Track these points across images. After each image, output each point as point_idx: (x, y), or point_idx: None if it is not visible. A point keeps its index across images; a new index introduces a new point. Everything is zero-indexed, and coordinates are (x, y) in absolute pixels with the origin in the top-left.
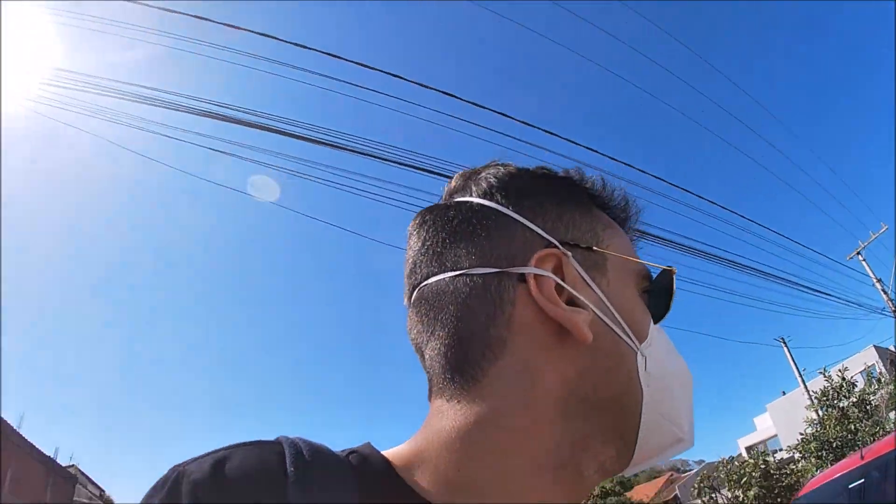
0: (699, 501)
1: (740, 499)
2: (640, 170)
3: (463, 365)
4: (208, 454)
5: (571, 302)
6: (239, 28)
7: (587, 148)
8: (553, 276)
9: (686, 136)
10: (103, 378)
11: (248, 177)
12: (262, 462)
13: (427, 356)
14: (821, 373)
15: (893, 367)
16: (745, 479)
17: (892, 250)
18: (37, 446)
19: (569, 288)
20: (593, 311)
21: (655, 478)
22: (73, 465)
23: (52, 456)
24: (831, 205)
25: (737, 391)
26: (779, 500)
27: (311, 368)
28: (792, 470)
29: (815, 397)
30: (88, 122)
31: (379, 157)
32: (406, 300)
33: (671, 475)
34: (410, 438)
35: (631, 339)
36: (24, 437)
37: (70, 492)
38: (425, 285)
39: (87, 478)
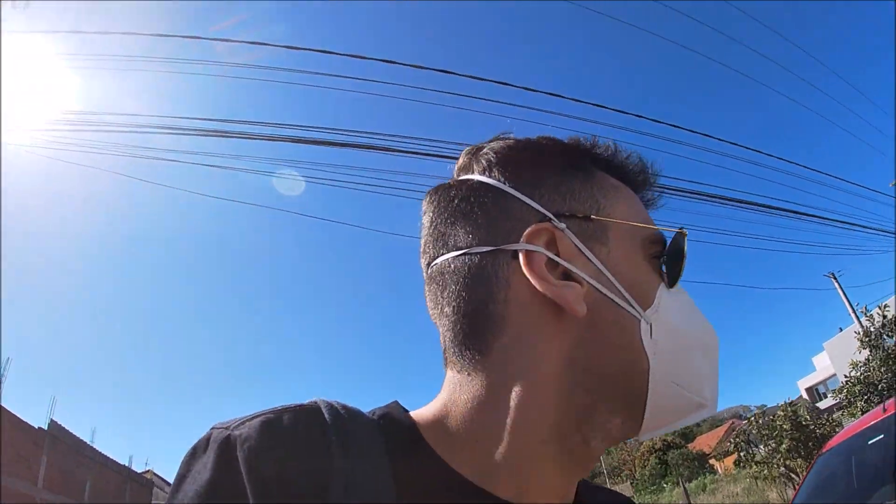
0: (735, 455)
1: (777, 450)
2: (677, 126)
3: (469, 341)
4: (255, 417)
5: (568, 276)
6: (228, 41)
7: (627, 113)
8: (544, 251)
9: (703, 78)
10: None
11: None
12: (309, 427)
13: (440, 331)
14: (862, 312)
15: None
16: (776, 432)
17: None
18: (111, 457)
19: (562, 262)
20: (589, 283)
21: (717, 427)
22: (148, 471)
23: (126, 464)
24: (871, 133)
25: (796, 332)
26: (813, 451)
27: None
28: (826, 420)
29: (858, 338)
30: (94, 158)
31: (395, 150)
32: (424, 277)
33: (732, 423)
34: (432, 402)
35: (633, 307)
36: (97, 450)
37: (147, 496)
38: (434, 265)
39: (164, 481)
